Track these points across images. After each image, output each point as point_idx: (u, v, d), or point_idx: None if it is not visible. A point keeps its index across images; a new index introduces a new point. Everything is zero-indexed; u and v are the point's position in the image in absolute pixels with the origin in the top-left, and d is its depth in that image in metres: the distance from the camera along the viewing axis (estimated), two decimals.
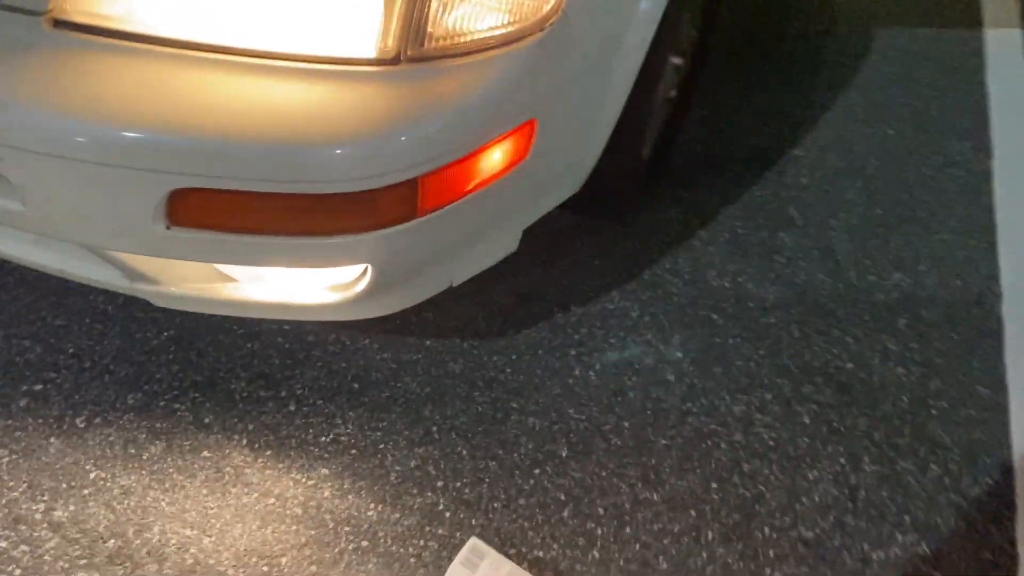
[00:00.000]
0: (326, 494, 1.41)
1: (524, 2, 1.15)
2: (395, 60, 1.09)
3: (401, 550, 1.36)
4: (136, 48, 1.07)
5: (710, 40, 2.00)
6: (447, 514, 1.41)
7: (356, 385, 1.57)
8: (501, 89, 1.15)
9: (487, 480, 1.46)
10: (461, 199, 1.21)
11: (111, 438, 1.45)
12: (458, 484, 1.45)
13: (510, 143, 1.23)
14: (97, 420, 1.47)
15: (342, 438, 1.49)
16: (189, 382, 1.54)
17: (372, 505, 1.40)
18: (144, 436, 1.45)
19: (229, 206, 1.09)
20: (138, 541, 1.33)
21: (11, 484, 1.37)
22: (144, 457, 1.43)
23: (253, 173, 1.05)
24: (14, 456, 1.41)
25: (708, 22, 1.93)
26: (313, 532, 1.36)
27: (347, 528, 1.37)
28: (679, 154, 2.14)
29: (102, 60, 1.05)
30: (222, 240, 1.13)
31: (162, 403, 1.50)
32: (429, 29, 1.09)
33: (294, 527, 1.37)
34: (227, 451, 1.45)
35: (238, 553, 1.33)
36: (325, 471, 1.44)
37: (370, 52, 1.08)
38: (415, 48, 1.09)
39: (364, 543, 1.36)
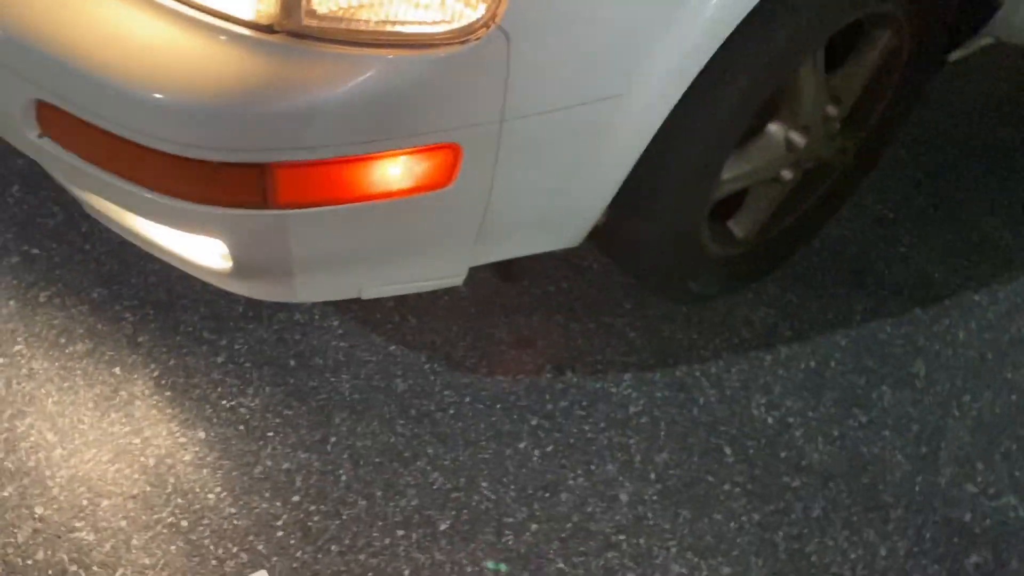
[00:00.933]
0: (186, 457, 1.34)
1: (448, 3, 0.94)
2: (269, 28, 0.94)
3: (211, 547, 1.25)
4: None
5: (881, 126, 1.59)
6: (279, 533, 1.28)
7: (293, 363, 1.47)
8: (389, 96, 0.96)
9: (344, 517, 1.30)
10: (340, 205, 1.04)
11: (55, 322, 1.48)
12: (312, 508, 1.31)
13: (415, 163, 1.03)
14: (57, 301, 1.51)
15: (241, 410, 1.40)
16: (153, 298, 1.53)
17: (218, 489, 1.31)
18: (81, 331, 1.47)
19: (84, 133, 1.02)
20: (5, 424, 1.35)
21: None
22: (67, 351, 1.44)
23: (92, 103, 0.98)
24: None
25: (879, 101, 1.52)
26: (148, 489, 1.30)
27: (180, 500, 1.29)
28: (820, 249, 1.75)
29: None
30: (83, 168, 1.07)
31: (117, 307, 1.51)
32: (310, 4, 0.92)
33: (136, 476, 1.31)
34: (135, 376, 1.42)
35: (74, 477, 1.30)
36: (202, 435, 1.37)
37: (247, 13, 0.94)
38: (291, 20, 0.93)
39: (184, 523, 1.27)
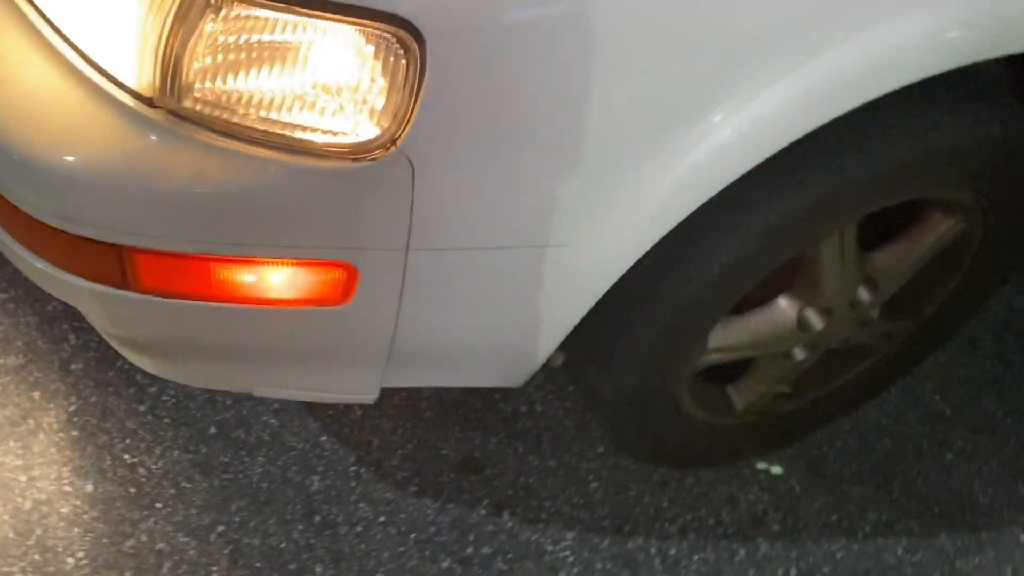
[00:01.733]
0: (64, 509, 1.25)
1: (351, 115, 0.80)
2: (150, 102, 0.83)
3: None
4: None
5: (941, 316, 1.34)
6: None
7: (213, 430, 1.36)
8: (262, 201, 0.83)
9: None
10: (213, 303, 0.92)
11: None
12: None
13: (301, 275, 0.90)
14: (10, 306, 1.45)
15: (140, 469, 1.30)
16: None
17: (80, 555, 1.21)
18: (20, 344, 1.41)
19: None
20: None
21: None
22: None
23: None
24: None
25: (936, 290, 1.28)
26: (11, 536, 1.21)
27: (37, 557, 1.20)
28: (848, 433, 1.50)
29: None
30: None
31: (65, 326, 1.44)
32: (191, 84, 0.80)
33: (5, 517, 1.23)
34: (51, 406, 1.35)
35: None
36: (89, 488, 1.27)
37: (131, 81, 0.83)
38: (170, 98, 0.81)
39: None
